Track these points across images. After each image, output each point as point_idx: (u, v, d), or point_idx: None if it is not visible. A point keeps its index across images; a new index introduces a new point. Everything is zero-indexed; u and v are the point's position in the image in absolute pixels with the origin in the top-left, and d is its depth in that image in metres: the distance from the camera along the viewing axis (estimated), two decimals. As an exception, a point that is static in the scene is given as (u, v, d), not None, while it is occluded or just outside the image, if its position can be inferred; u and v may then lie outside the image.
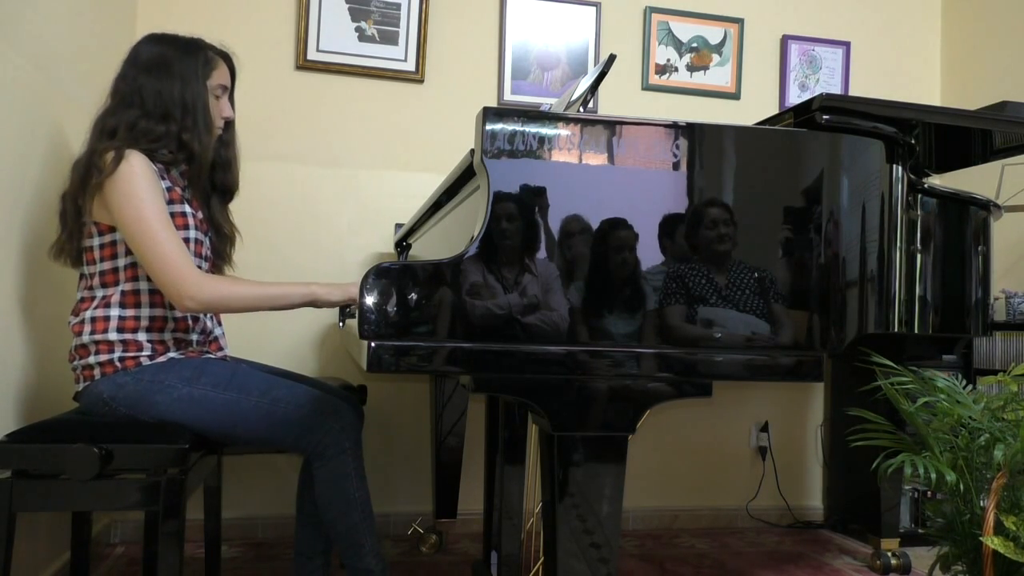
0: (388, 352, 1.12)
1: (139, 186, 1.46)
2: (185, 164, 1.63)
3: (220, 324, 1.75)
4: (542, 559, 1.39)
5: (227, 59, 1.70)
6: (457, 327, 1.14)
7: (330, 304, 1.54)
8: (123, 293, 1.55)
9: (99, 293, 1.56)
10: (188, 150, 1.59)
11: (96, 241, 1.55)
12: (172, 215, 1.55)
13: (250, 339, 2.43)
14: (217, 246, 1.73)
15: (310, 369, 2.58)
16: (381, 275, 1.12)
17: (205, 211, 1.70)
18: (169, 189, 1.57)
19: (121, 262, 1.55)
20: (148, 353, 1.54)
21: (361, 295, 1.11)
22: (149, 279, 1.54)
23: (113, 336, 1.52)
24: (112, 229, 1.53)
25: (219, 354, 1.70)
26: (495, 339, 1.15)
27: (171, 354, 1.57)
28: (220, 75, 1.65)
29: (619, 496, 1.24)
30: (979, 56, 3.07)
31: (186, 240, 1.58)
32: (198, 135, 1.59)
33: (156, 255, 1.45)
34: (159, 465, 1.44)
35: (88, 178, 1.49)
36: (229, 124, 1.73)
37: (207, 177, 1.68)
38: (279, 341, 2.56)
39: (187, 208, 1.61)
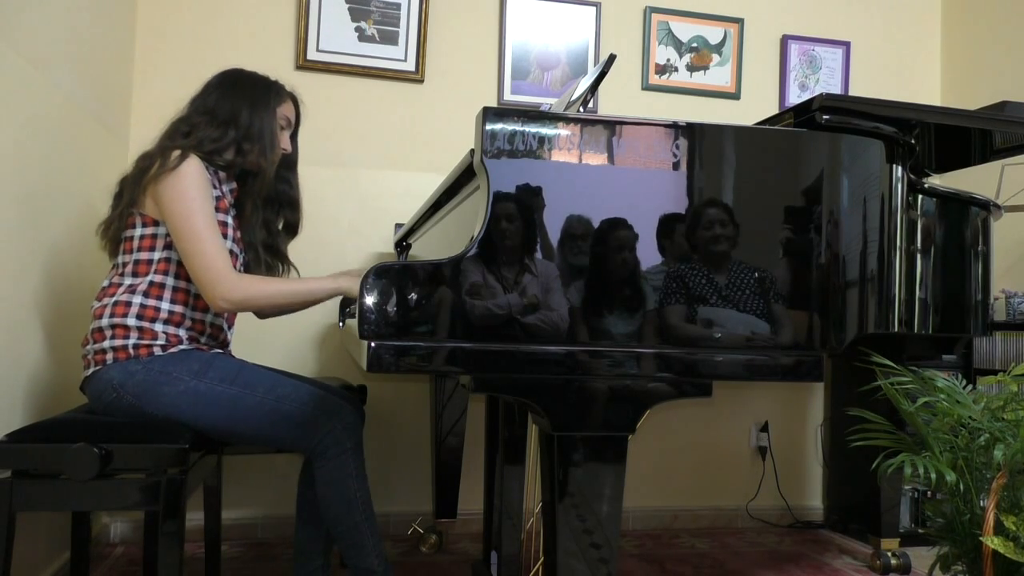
0: (388, 352, 1.12)
1: (193, 186, 1.54)
2: (240, 178, 1.72)
3: (231, 327, 1.78)
4: (542, 559, 1.39)
5: (295, 101, 1.80)
6: (457, 327, 1.14)
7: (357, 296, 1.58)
8: (150, 284, 1.58)
9: (127, 281, 1.59)
10: (247, 160, 1.67)
11: (138, 232, 1.59)
12: None
13: (250, 339, 2.43)
14: (252, 270, 1.76)
15: (310, 369, 2.58)
16: (381, 275, 1.12)
17: (249, 236, 1.74)
18: (218, 198, 1.64)
19: (156, 255, 1.59)
20: (161, 343, 1.56)
21: (361, 295, 1.11)
22: (177, 276, 1.60)
23: (131, 322, 1.54)
24: (156, 223, 1.58)
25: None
26: (495, 339, 1.15)
27: (183, 346, 1.59)
28: (287, 109, 1.76)
29: (619, 496, 1.24)
30: (979, 56, 3.07)
31: None
32: (263, 150, 1.68)
33: (198, 252, 1.51)
34: (159, 465, 1.44)
35: (149, 169, 1.55)
36: (293, 166, 1.83)
37: (276, 212, 1.80)
38: (279, 341, 2.56)
39: (229, 220, 1.67)
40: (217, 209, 1.62)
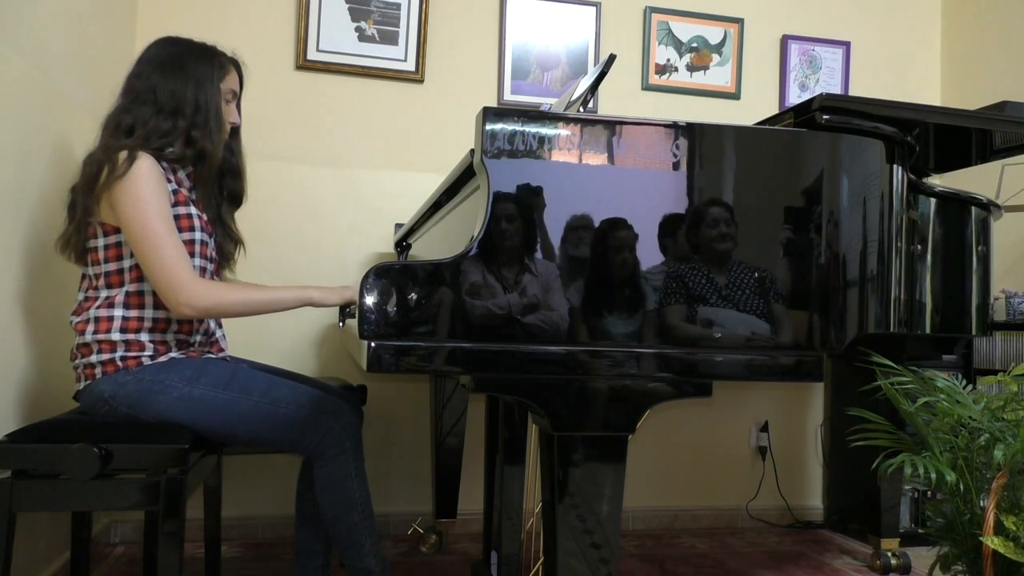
0: (388, 352, 1.12)
1: (146, 189, 1.47)
2: (193, 164, 1.63)
3: (221, 325, 1.76)
4: (542, 559, 1.39)
5: (237, 67, 1.72)
6: (457, 327, 1.14)
7: (326, 305, 1.56)
8: (127, 294, 1.55)
9: (103, 293, 1.56)
10: (197, 148, 1.60)
11: (101, 242, 1.55)
12: (178, 217, 1.56)
13: (250, 339, 2.43)
14: (223, 248, 1.74)
15: (310, 369, 2.58)
16: (381, 275, 1.12)
17: (212, 213, 1.71)
18: (175, 191, 1.58)
19: (126, 263, 1.55)
20: (150, 353, 1.54)
21: (361, 295, 1.11)
22: None
23: (116, 336, 1.52)
24: (117, 230, 1.53)
25: (220, 355, 1.70)
26: (495, 339, 1.15)
27: (172, 354, 1.57)
28: (231, 80, 1.68)
29: (619, 496, 1.24)
30: (979, 56, 3.07)
31: (191, 242, 1.58)
32: (209, 134, 1.60)
33: (156, 259, 1.46)
34: (159, 465, 1.44)
35: (98, 176, 1.49)
36: (236, 132, 1.74)
37: (217, 182, 1.71)
38: (279, 341, 2.56)
39: (193, 210, 1.61)
40: (177, 203, 1.57)
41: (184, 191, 1.62)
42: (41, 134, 1.79)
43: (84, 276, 1.60)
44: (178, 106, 1.57)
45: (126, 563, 2.25)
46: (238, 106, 1.73)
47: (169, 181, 1.57)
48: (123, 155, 1.48)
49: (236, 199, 1.78)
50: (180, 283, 1.46)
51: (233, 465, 2.49)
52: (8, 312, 1.65)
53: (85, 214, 1.53)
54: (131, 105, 1.58)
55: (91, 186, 1.51)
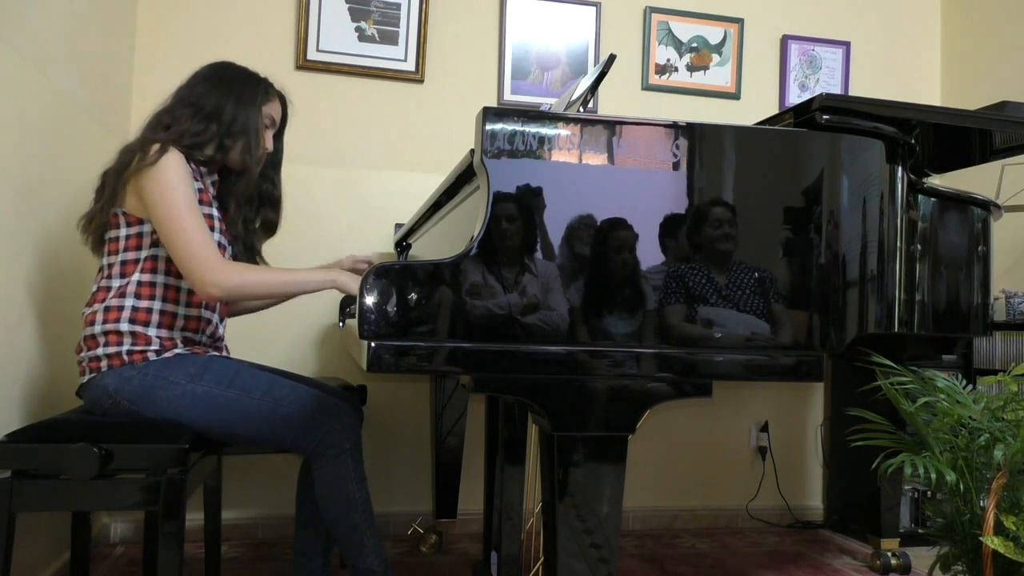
0: (388, 352, 1.12)
1: (174, 178, 1.52)
2: (221, 174, 1.70)
3: (223, 322, 1.77)
4: (542, 559, 1.39)
5: (283, 100, 1.78)
6: (457, 327, 1.14)
7: (350, 292, 1.58)
8: (139, 283, 1.56)
9: (116, 283, 1.58)
10: (228, 156, 1.66)
11: (123, 232, 1.58)
12: None
13: (250, 339, 2.43)
14: (240, 261, 1.74)
15: (310, 369, 2.58)
16: (381, 275, 1.12)
17: (237, 231, 1.74)
18: (200, 191, 1.62)
19: (143, 253, 1.57)
20: (156, 348, 1.55)
21: (361, 295, 1.11)
22: (167, 273, 1.58)
23: (124, 327, 1.53)
24: (140, 221, 1.56)
25: (223, 356, 1.71)
26: (495, 339, 1.15)
27: (178, 350, 1.58)
28: (273, 108, 1.73)
29: (619, 496, 1.24)
30: (979, 56, 3.07)
31: None
32: (247, 149, 1.66)
33: (183, 242, 1.49)
34: (159, 465, 1.44)
35: (130, 163, 1.54)
36: (278, 166, 1.82)
37: (255, 210, 1.78)
38: (279, 341, 2.56)
39: (215, 212, 1.66)
40: (200, 202, 1.60)
41: (209, 195, 1.66)
42: (41, 134, 1.79)
43: (100, 268, 1.63)
44: (215, 113, 1.63)
45: (126, 563, 2.25)
46: (279, 139, 1.79)
47: (196, 180, 1.61)
48: (156, 147, 1.53)
49: (271, 229, 1.84)
50: (207, 265, 1.48)
51: (233, 465, 2.49)
52: (15, 311, 1.65)
53: (111, 201, 1.57)
54: (174, 106, 1.65)
55: (121, 172, 1.55)
